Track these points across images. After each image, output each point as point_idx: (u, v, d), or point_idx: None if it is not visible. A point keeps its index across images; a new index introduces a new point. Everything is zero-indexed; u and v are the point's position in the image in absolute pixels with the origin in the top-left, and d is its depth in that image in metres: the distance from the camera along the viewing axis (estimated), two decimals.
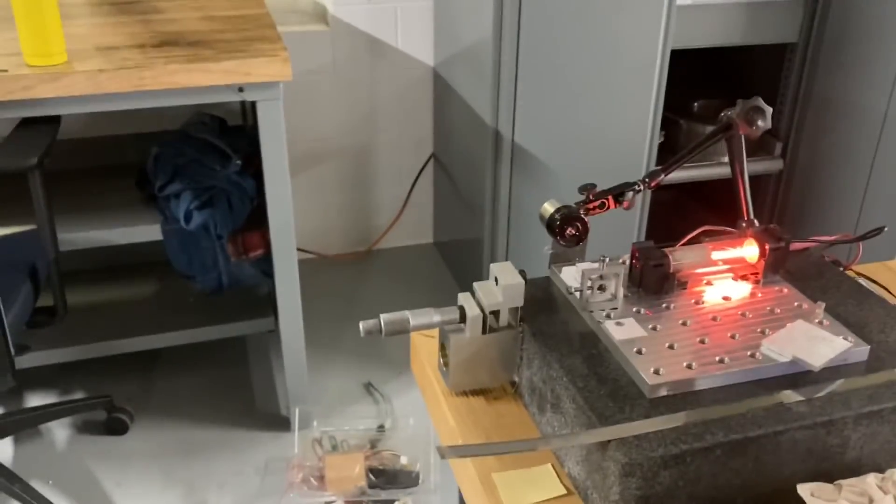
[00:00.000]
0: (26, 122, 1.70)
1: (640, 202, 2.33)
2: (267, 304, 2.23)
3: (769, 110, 0.95)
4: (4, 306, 1.56)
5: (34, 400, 2.18)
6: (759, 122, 0.95)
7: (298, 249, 1.99)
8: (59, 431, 2.10)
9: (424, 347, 0.98)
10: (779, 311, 0.85)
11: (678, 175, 2.40)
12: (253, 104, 1.79)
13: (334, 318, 2.51)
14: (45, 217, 1.69)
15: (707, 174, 2.38)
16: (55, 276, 1.75)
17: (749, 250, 0.89)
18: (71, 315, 1.81)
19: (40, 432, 2.10)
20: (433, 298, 2.90)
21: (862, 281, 0.98)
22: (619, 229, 2.27)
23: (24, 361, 1.96)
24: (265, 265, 2.08)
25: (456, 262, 2.79)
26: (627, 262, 0.88)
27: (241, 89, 1.73)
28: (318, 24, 2.60)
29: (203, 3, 2.10)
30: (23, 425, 2.09)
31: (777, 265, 0.89)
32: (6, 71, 1.60)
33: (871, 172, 2.26)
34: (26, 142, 1.66)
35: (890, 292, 1.00)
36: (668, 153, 2.33)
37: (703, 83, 2.60)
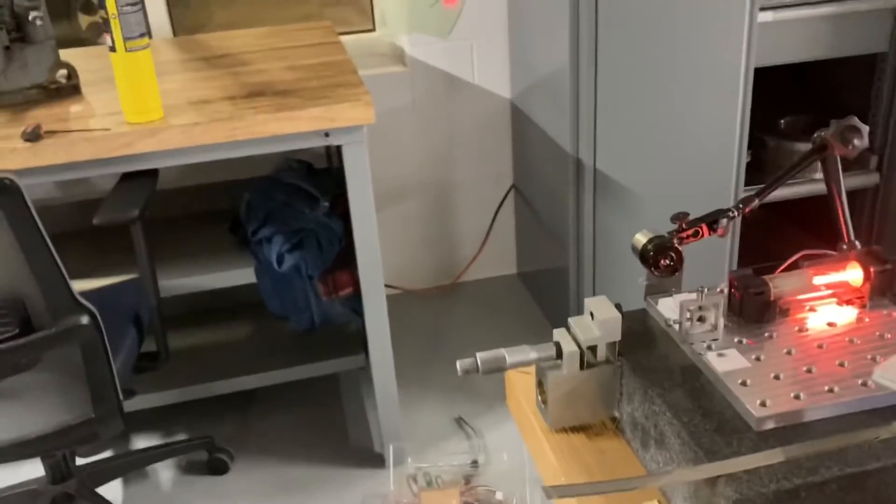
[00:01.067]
0: (127, 176, 1.79)
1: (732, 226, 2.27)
2: (357, 342, 2.27)
3: (865, 129, 0.93)
4: (112, 353, 1.63)
5: (139, 442, 2.27)
6: (856, 142, 0.92)
7: (385, 286, 2.02)
8: (164, 472, 2.17)
9: (520, 384, 0.98)
10: (889, 336, 0.81)
11: (771, 195, 2.34)
12: (338, 148, 1.84)
13: (423, 353, 2.53)
14: (147, 266, 1.78)
15: (799, 192, 2.30)
16: (158, 322, 1.83)
17: (853, 274, 0.86)
18: (172, 359, 1.88)
19: (146, 473, 2.17)
20: (519, 330, 2.90)
21: None
22: (711, 253, 2.22)
23: (130, 405, 2.04)
24: (355, 303, 2.11)
25: (541, 292, 2.78)
26: (726, 290, 0.86)
27: (326, 134, 1.78)
28: (397, 66, 2.66)
29: (287, 53, 2.17)
30: (130, 467, 2.17)
31: (884, 288, 0.85)
32: (108, 129, 1.69)
33: None
34: (128, 196, 1.74)
35: None
36: (757, 172, 2.27)
37: (789, 98, 2.53)
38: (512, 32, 2.63)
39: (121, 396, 1.69)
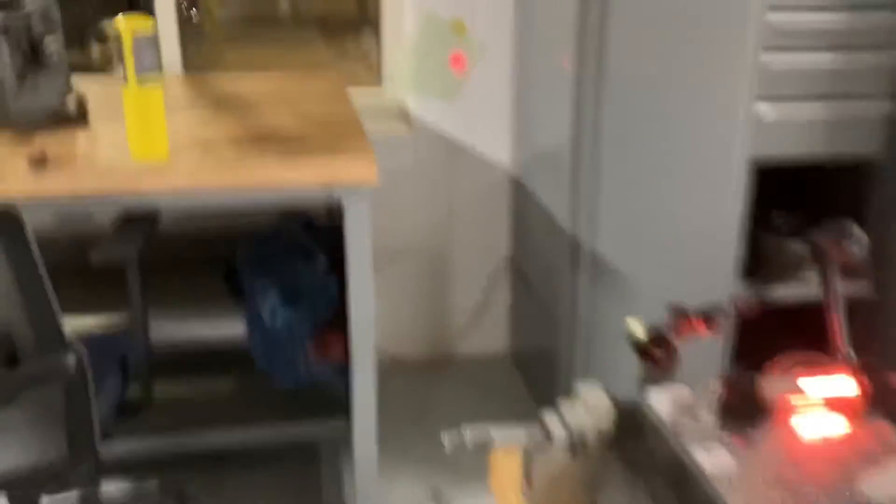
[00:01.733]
0: (128, 216, 1.80)
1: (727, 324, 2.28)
2: (341, 406, 2.24)
3: (864, 238, 0.94)
4: (95, 396, 1.61)
5: (110, 485, 2.21)
6: (855, 250, 0.94)
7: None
8: None
9: (505, 464, 0.97)
10: (878, 448, 0.81)
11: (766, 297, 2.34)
12: (340, 205, 1.85)
13: (405, 424, 2.49)
14: (139, 309, 1.77)
15: (796, 295, 2.31)
16: (144, 368, 1.81)
17: (846, 384, 0.87)
18: (154, 406, 1.86)
19: None
20: (506, 408, 2.86)
21: None
22: (705, 348, 2.22)
23: (106, 450, 2.00)
24: (343, 366, 2.10)
25: (531, 371, 2.76)
26: (719, 389, 0.86)
27: (330, 190, 1.79)
28: (401, 125, 2.69)
29: (295, 101, 2.20)
30: None
31: (876, 401, 0.86)
32: (114, 163, 1.70)
33: None
34: (127, 236, 1.75)
35: None
36: (750, 266, 2.29)
37: (786, 197, 2.57)
38: (516, 105, 2.67)
39: (97, 441, 1.66)
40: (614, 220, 2.19)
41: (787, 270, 0.98)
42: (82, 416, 1.59)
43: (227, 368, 2.44)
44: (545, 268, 2.51)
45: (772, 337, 2.58)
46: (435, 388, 2.77)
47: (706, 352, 2.25)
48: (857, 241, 0.94)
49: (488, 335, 2.92)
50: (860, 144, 2.30)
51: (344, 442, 2.22)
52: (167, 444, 2.15)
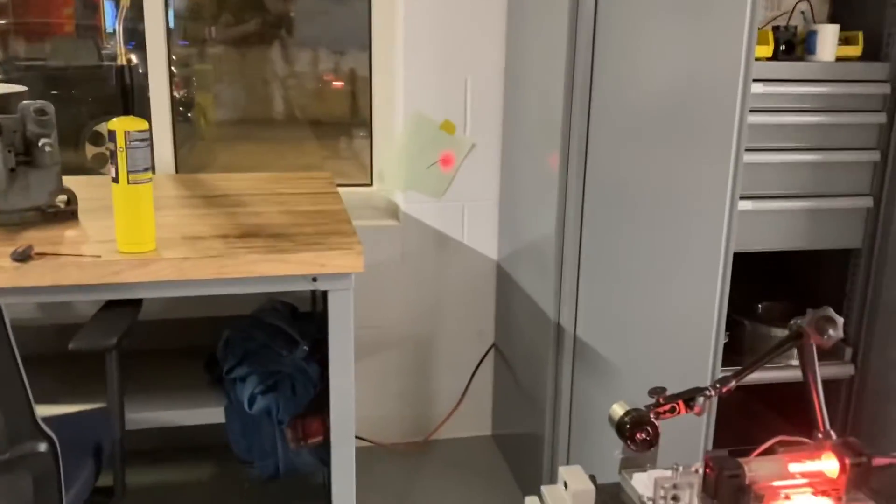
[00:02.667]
0: (110, 304, 1.79)
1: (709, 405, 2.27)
2: (321, 493, 2.19)
3: (840, 321, 0.96)
4: (66, 485, 1.57)
5: None
6: (831, 332, 0.95)
7: (355, 437, 1.98)
8: None
9: None
10: None
11: (747, 378, 2.34)
12: (324, 293, 1.86)
13: None
14: (116, 396, 1.74)
15: (776, 377, 2.32)
16: (119, 456, 1.77)
17: (828, 464, 0.86)
18: (128, 496, 1.81)
19: None
20: (489, 493, 2.81)
21: None
22: (686, 430, 2.21)
23: None
24: (323, 453, 2.06)
25: (514, 456, 2.73)
26: (701, 471, 0.86)
27: (314, 279, 1.81)
28: (390, 220, 2.73)
29: (285, 199, 2.24)
30: None
31: (859, 481, 0.85)
32: (99, 256, 1.71)
33: None
34: (107, 324, 1.74)
35: None
36: (733, 354, 2.29)
37: (768, 284, 2.61)
38: (503, 198, 2.73)
39: None
40: (597, 308, 2.20)
41: (769, 356, 0.99)
42: None
43: (206, 458, 2.39)
44: (529, 354, 2.51)
45: (754, 418, 2.59)
46: (418, 471, 2.72)
47: (689, 434, 2.24)
48: (834, 324, 0.95)
49: (473, 421, 2.91)
50: (842, 237, 2.37)
51: None
52: None
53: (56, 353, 1.85)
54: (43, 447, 1.50)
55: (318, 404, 2.01)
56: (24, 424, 1.48)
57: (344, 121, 3.01)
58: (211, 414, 2.03)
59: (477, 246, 2.77)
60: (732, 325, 2.36)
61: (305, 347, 2.08)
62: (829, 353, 2.49)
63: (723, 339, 2.26)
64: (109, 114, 1.71)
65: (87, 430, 1.82)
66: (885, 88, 2.20)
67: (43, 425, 1.50)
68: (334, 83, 2.98)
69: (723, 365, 2.25)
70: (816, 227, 2.38)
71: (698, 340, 2.24)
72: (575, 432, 2.30)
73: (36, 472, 1.51)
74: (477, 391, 2.87)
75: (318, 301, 2.44)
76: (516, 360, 2.67)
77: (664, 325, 2.24)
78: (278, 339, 2.13)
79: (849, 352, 2.49)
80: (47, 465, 1.51)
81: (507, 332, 2.76)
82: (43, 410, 1.51)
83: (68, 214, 1.96)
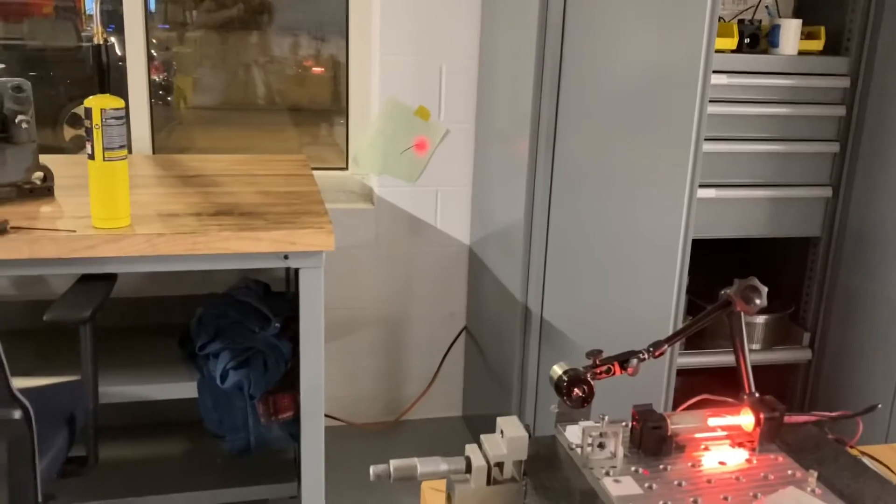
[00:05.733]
0: (85, 279, 1.83)
1: (666, 384, 2.34)
2: (291, 469, 2.25)
3: (764, 290, 1.02)
4: (39, 453, 1.61)
5: None
6: (756, 300, 1.02)
7: (327, 416, 2.03)
8: None
9: (435, 501, 1.01)
10: (772, 477, 0.87)
11: (703, 360, 2.42)
12: (296, 271, 1.91)
13: (356, 488, 2.49)
14: (90, 368, 1.78)
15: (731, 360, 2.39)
16: (92, 427, 1.82)
17: (745, 419, 0.93)
18: (100, 468, 1.85)
19: None
20: None
21: (865, 460, 1.00)
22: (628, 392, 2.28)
23: None
24: (293, 428, 2.11)
25: (483, 433, 2.79)
26: (628, 423, 0.92)
27: (286, 257, 1.86)
28: (365, 203, 2.79)
29: (259, 179, 2.29)
30: None
31: (772, 434, 0.92)
32: (74, 231, 1.75)
33: None
34: (82, 297, 1.78)
35: (892, 471, 1.01)
36: (695, 337, 2.36)
37: (731, 271, 2.67)
38: (476, 184, 2.79)
39: (40, 499, 1.65)
40: (562, 291, 2.27)
41: (698, 323, 1.06)
42: (25, 474, 1.59)
43: (178, 433, 2.44)
44: (498, 336, 2.57)
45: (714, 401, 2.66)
46: (388, 452, 2.75)
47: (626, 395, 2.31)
48: (759, 293, 1.02)
49: (443, 402, 2.97)
50: (802, 225, 2.44)
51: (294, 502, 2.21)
52: None
53: (31, 328, 1.90)
54: (17, 414, 1.54)
55: (290, 381, 2.07)
56: None
57: (324, 107, 3.05)
58: (184, 388, 2.08)
59: (449, 230, 2.82)
60: (695, 309, 2.42)
61: (277, 325, 2.13)
62: (788, 338, 2.56)
63: (682, 322, 2.33)
64: (87, 96, 1.74)
65: (61, 401, 1.86)
66: (846, 82, 2.26)
67: (17, 393, 1.54)
68: (315, 69, 3.02)
69: (684, 348, 2.33)
70: (777, 216, 2.45)
71: (659, 323, 2.31)
72: (540, 412, 2.36)
73: (10, 438, 1.55)
74: (448, 373, 2.93)
75: (293, 282, 2.49)
76: (486, 342, 2.73)
77: (627, 308, 2.30)
78: (251, 317, 2.18)
79: (807, 337, 2.56)
80: (21, 431, 1.55)
81: (478, 314, 2.82)
82: (18, 383, 1.55)
83: (45, 191, 2.00)
